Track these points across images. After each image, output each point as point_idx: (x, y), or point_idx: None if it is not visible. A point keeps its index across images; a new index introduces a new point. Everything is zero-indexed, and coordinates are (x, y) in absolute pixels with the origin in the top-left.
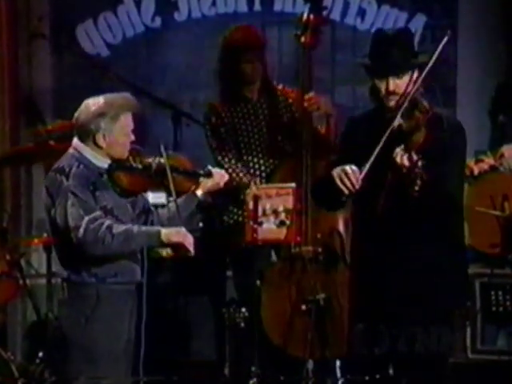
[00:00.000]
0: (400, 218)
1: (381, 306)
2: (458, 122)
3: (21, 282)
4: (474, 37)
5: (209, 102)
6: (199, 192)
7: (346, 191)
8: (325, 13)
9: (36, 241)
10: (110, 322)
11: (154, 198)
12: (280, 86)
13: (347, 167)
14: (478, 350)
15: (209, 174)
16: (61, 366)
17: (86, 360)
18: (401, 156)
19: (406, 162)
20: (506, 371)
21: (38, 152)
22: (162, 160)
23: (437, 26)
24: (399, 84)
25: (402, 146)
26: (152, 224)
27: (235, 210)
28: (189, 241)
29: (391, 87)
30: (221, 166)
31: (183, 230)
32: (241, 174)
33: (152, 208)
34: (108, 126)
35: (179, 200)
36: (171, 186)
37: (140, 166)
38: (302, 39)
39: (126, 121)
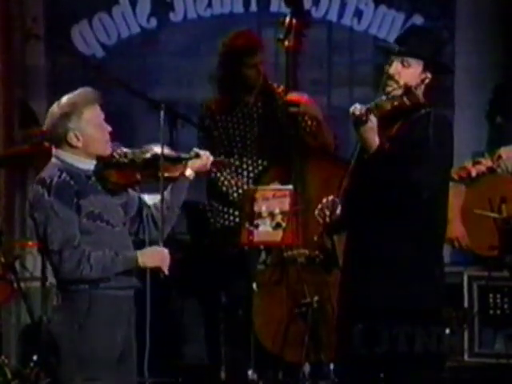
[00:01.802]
0: (375, 210)
1: (356, 306)
2: (444, 118)
3: (15, 284)
4: (471, 38)
5: (205, 102)
6: (188, 172)
7: (321, 221)
8: (308, 16)
9: (30, 243)
10: (103, 330)
11: (149, 199)
12: (280, 88)
13: (324, 200)
14: (476, 353)
15: (196, 155)
16: (54, 372)
17: (79, 368)
18: (354, 107)
19: (357, 111)
20: (504, 374)
21: (32, 154)
22: (147, 151)
23: (434, 26)
24: (401, 72)
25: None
26: (153, 217)
27: (232, 212)
28: (165, 263)
29: (391, 70)
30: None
31: (158, 250)
32: (228, 177)
33: (148, 203)
34: (75, 124)
35: (170, 186)
36: (160, 174)
37: (126, 160)
38: (286, 43)
39: (92, 114)
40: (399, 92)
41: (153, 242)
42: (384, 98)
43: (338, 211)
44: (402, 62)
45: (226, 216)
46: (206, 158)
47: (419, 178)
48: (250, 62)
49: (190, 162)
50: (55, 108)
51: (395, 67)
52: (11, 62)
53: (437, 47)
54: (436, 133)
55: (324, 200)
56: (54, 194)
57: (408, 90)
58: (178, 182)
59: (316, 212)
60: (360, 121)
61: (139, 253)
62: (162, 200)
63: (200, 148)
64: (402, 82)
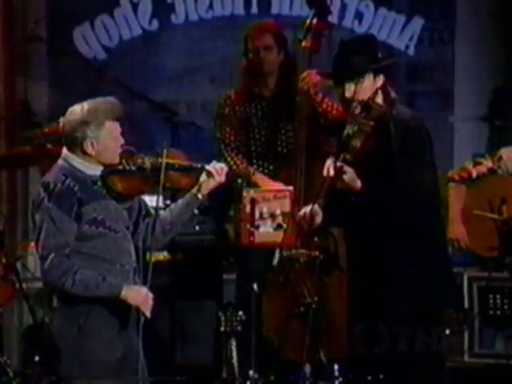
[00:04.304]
0: (375, 218)
1: (365, 308)
2: (411, 123)
3: (17, 285)
4: (471, 40)
5: (225, 92)
6: (201, 195)
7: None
8: (329, 17)
9: (32, 244)
10: (103, 331)
11: (150, 201)
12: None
13: (302, 211)
14: (476, 353)
15: (208, 173)
16: (55, 372)
17: (79, 368)
18: (327, 167)
19: (332, 172)
20: (504, 375)
21: (34, 155)
22: (157, 159)
23: (434, 28)
24: (357, 91)
25: (332, 158)
26: (153, 228)
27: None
28: (147, 306)
29: (348, 94)
30: (222, 156)
31: (144, 291)
32: (240, 166)
33: (152, 210)
34: (94, 133)
35: (180, 202)
36: (160, 188)
37: (134, 168)
38: (303, 43)
39: (113, 126)
40: (362, 118)
41: (148, 249)
42: (350, 132)
43: (319, 219)
44: (352, 81)
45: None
46: (220, 171)
47: (399, 185)
48: (254, 45)
49: (203, 181)
50: (77, 112)
51: (350, 89)
52: (13, 64)
53: (371, 51)
54: (400, 139)
55: (305, 210)
56: (53, 200)
57: (368, 106)
58: (189, 200)
59: (297, 220)
60: (337, 180)
61: (125, 287)
62: (157, 212)
63: (216, 134)
64: (361, 99)
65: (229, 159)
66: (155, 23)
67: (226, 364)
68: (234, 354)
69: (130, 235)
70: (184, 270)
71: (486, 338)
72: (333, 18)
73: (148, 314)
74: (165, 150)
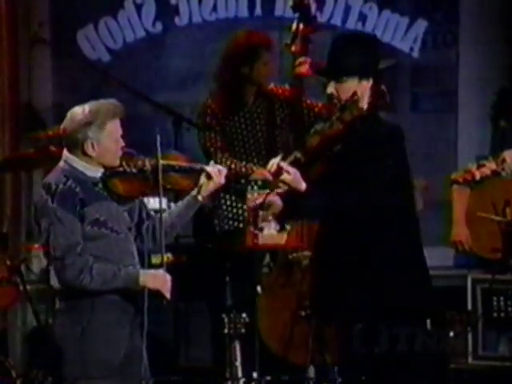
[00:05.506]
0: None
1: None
2: (380, 131)
3: (21, 287)
4: (475, 42)
5: (204, 102)
6: (201, 197)
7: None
8: (314, 21)
9: (36, 246)
10: (106, 332)
11: (154, 203)
12: (271, 85)
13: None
14: (480, 355)
15: (208, 176)
16: (59, 374)
17: (82, 370)
18: (271, 164)
19: (272, 169)
20: (508, 377)
21: (38, 157)
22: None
23: (438, 31)
24: (338, 89)
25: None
26: (153, 230)
27: (240, 214)
28: (166, 287)
29: (328, 90)
30: (215, 161)
31: (161, 273)
32: (237, 167)
33: (152, 213)
34: (95, 134)
35: (180, 204)
36: (160, 188)
37: (135, 170)
38: (292, 48)
39: (114, 127)
40: (333, 118)
41: (151, 252)
42: (317, 128)
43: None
44: (337, 80)
45: (232, 218)
46: (218, 173)
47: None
48: (266, 57)
49: (203, 183)
50: (78, 113)
51: (331, 86)
52: (18, 66)
53: (364, 51)
54: (364, 146)
55: (261, 199)
56: (57, 200)
57: (343, 108)
58: (189, 203)
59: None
60: (274, 178)
61: (142, 272)
62: (161, 217)
63: (202, 145)
64: (343, 98)
65: (224, 162)
66: (159, 25)
67: (229, 366)
68: (238, 356)
69: (132, 237)
70: (188, 272)
71: (489, 341)
72: (336, 20)
73: (168, 295)
74: (158, 136)
